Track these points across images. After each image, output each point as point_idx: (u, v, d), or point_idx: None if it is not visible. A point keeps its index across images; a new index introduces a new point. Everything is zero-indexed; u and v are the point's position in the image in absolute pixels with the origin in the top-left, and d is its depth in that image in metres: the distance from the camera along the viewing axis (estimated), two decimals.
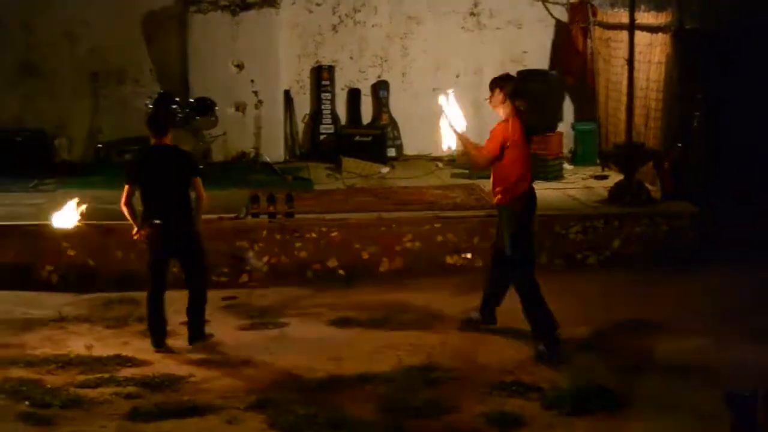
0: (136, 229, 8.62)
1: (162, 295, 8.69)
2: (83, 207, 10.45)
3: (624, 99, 12.44)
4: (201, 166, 9.55)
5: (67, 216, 10.44)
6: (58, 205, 10.72)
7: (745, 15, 11.67)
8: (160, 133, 8.63)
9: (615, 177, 12.67)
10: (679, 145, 12.05)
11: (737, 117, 11.70)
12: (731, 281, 10.19)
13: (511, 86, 8.54)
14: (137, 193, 8.64)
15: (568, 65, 14.99)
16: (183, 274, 8.80)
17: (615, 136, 13.65)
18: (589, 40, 14.66)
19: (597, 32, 14.56)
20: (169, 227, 8.50)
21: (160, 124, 8.75)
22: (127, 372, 8.03)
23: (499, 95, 8.49)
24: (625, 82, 12.39)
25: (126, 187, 8.60)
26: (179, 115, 13.46)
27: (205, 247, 8.91)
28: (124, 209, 8.57)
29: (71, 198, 10.63)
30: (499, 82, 8.53)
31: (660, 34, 12.46)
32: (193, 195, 8.72)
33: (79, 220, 10.46)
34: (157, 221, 8.48)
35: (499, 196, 8.59)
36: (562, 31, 15.33)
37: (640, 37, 12.55)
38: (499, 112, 8.55)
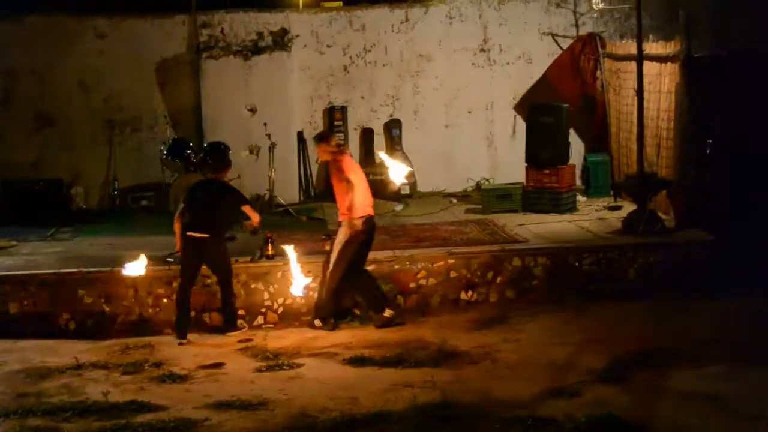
0: (178, 245, 10.36)
1: (189, 295, 10.28)
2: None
3: (635, 129, 12.46)
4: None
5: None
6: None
7: (753, 40, 11.68)
8: (214, 170, 10.83)
9: (628, 207, 12.67)
10: (692, 173, 12.02)
11: (750, 144, 11.68)
12: (746, 310, 10.16)
13: (333, 137, 10.98)
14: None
15: (570, 95, 14.95)
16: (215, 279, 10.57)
17: (628, 166, 13.67)
18: (599, 72, 14.70)
19: (606, 64, 14.62)
20: (204, 241, 10.23)
21: (213, 164, 11.11)
22: (143, 418, 8.03)
23: (327, 146, 10.59)
24: (635, 113, 12.41)
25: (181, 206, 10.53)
26: (193, 160, 13.59)
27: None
28: (176, 224, 10.35)
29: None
30: (325, 138, 10.75)
31: (669, 63, 12.49)
32: None
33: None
34: (195, 234, 10.19)
35: (342, 214, 10.48)
36: (570, 63, 15.36)
37: (649, 67, 12.59)
38: (327, 157, 10.60)
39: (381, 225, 12.83)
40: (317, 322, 10.60)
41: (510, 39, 15.63)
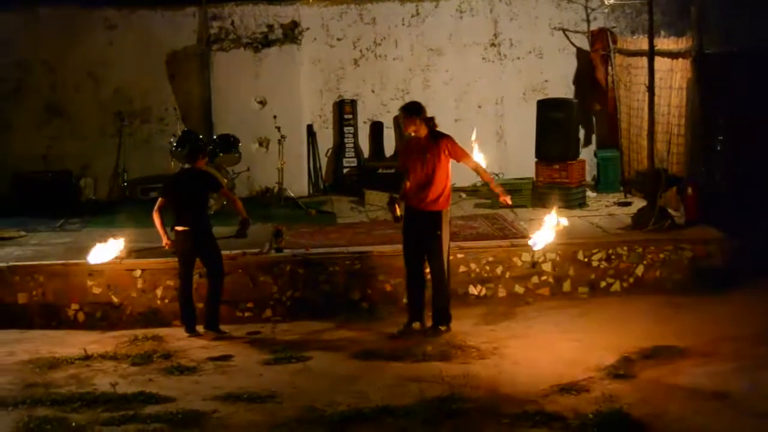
0: (165, 240, 10.10)
1: (191, 289, 10.17)
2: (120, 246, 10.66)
3: (645, 125, 12.43)
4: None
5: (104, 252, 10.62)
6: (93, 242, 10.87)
7: (765, 37, 11.64)
8: (188, 160, 10.42)
9: (638, 203, 12.65)
10: (703, 170, 12.00)
11: (761, 140, 11.64)
12: (756, 307, 10.14)
13: (424, 111, 9.81)
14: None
15: (591, 93, 15.01)
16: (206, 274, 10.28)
17: (638, 162, 13.64)
18: (610, 68, 14.67)
19: (617, 59, 14.58)
20: (192, 233, 9.99)
21: (188, 153, 10.62)
22: (151, 409, 8.02)
23: (420, 121, 9.69)
24: (646, 109, 12.37)
25: (159, 199, 10.22)
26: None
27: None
28: (155, 218, 10.09)
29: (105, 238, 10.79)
30: (416, 111, 9.75)
31: (680, 59, 12.46)
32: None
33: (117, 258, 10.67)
34: (183, 228, 9.96)
35: (440, 202, 9.69)
36: (583, 60, 15.37)
37: (660, 63, 12.56)
38: (419, 132, 9.73)
39: (390, 219, 12.86)
40: (443, 327, 9.86)
41: (521, 34, 15.59)
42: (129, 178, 14.88)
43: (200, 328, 10.18)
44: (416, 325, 9.89)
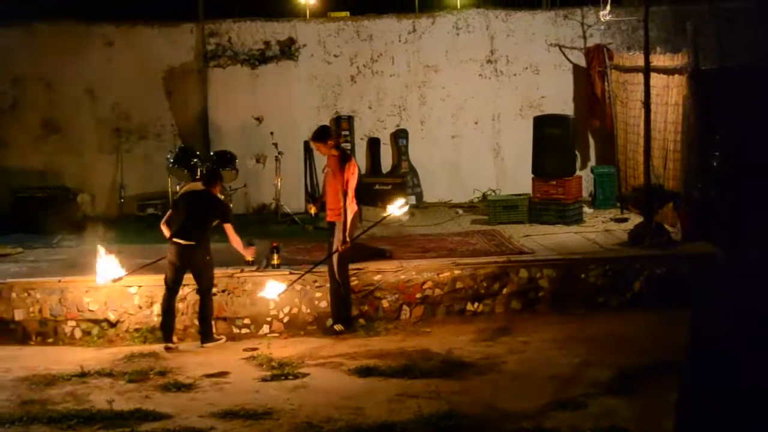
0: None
1: (175, 299, 10.37)
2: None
3: (642, 141, 12.45)
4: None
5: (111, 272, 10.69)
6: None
7: (760, 53, 11.67)
8: (206, 183, 10.62)
9: (635, 219, 12.66)
10: (699, 186, 12.01)
11: (757, 156, 11.65)
12: None
13: (333, 134, 10.91)
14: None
15: (590, 109, 15.05)
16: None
17: (634, 178, 13.66)
18: (606, 84, 14.71)
19: (614, 76, 14.62)
20: (192, 248, 10.18)
21: (207, 176, 10.89)
22: (147, 426, 8.02)
23: (328, 143, 10.52)
24: (642, 125, 12.40)
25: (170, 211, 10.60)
26: (199, 168, 13.59)
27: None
28: (164, 228, 10.37)
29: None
30: (323, 136, 10.59)
31: (676, 75, 12.49)
32: None
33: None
34: (185, 241, 10.15)
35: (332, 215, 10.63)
36: (579, 76, 15.41)
37: (657, 79, 12.59)
38: (330, 152, 10.56)
39: (387, 235, 12.90)
40: (338, 327, 10.57)
41: (517, 50, 15.65)
42: (126, 194, 14.89)
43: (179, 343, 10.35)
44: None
